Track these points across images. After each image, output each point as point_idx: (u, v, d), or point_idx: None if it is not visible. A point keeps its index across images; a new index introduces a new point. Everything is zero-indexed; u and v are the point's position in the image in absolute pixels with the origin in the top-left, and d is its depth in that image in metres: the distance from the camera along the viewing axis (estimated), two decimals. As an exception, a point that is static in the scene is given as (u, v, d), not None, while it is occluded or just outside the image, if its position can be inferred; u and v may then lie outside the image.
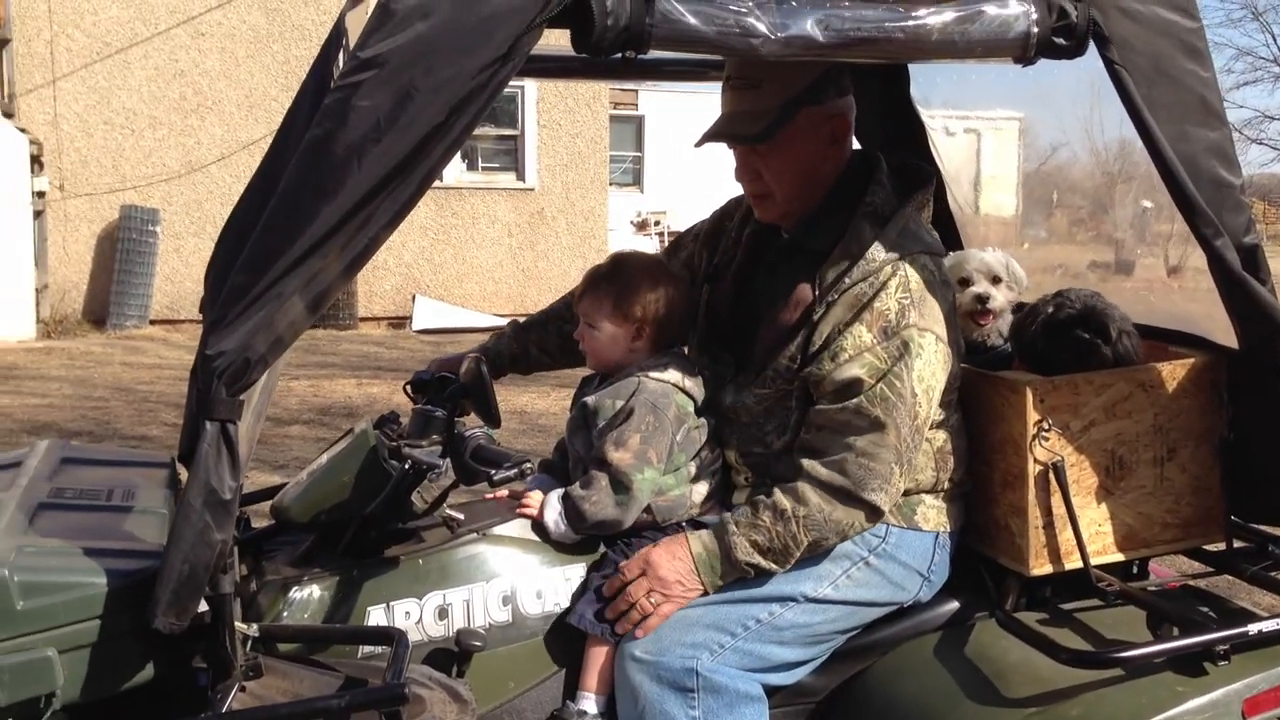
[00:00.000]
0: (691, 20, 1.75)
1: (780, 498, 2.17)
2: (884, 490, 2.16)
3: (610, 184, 16.69)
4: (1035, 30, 1.95)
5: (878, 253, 2.23)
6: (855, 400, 2.16)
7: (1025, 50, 1.96)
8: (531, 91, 15.18)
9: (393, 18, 1.64)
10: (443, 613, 2.16)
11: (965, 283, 2.58)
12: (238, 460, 1.68)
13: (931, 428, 2.28)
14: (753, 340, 2.37)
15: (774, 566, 2.19)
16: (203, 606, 1.75)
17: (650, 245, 18.86)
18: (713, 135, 2.31)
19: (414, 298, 14.66)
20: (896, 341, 2.16)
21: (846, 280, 2.23)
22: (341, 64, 1.92)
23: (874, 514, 2.17)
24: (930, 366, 2.18)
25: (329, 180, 1.65)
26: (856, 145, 2.48)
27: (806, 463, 2.19)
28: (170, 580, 1.67)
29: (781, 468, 2.28)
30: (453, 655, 2.13)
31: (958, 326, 2.35)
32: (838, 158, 2.35)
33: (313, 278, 1.68)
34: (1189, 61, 2.08)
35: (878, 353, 2.17)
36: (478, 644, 2.11)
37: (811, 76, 2.24)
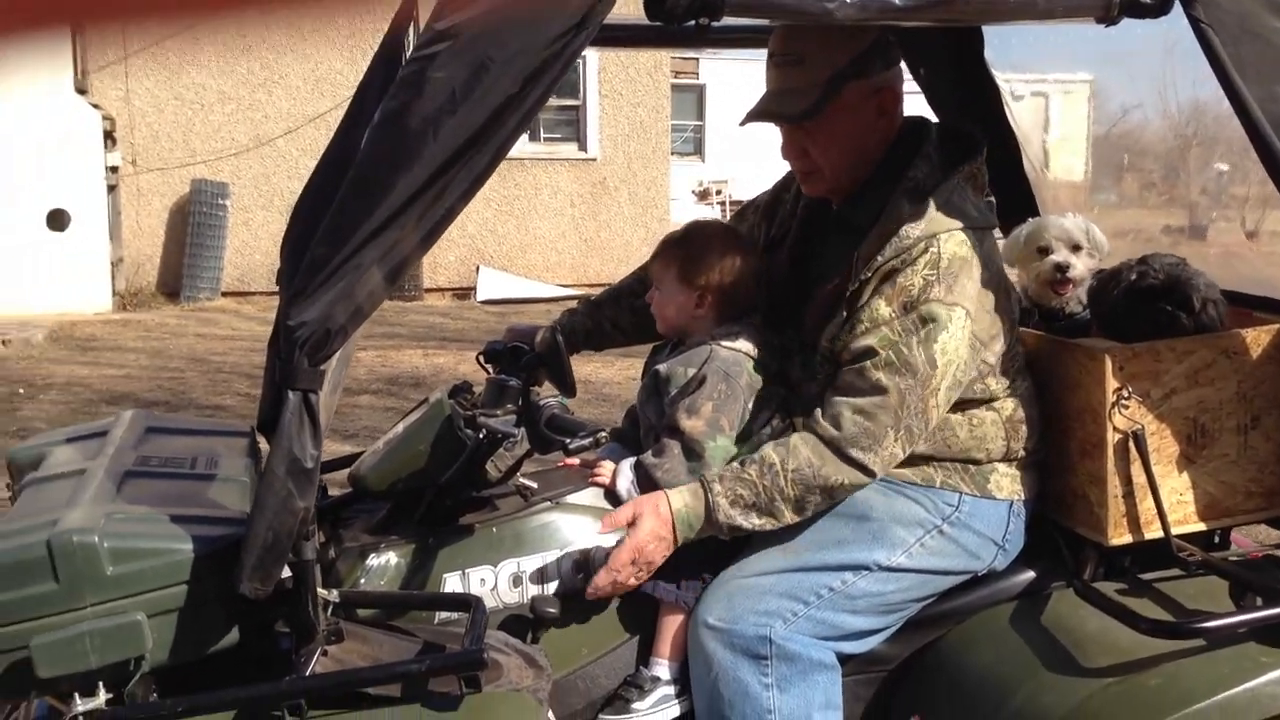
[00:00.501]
0: (766, -15, 1.73)
1: (769, 451, 2.14)
2: (874, 451, 2.12)
3: (672, 154, 16.62)
4: (1119, -11, 1.90)
5: (912, 230, 2.18)
6: (861, 364, 2.14)
7: (1109, 10, 1.92)
8: (593, 61, 15.13)
9: (468, -12, 1.64)
10: (517, 580, 2.18)
11: (1045, 251, 2.53)
12: (319, 429, 1.71)
13: (997, 398, 2.26)
14: (804, 316, 2.36)
15: (755, 524, 2.14)
16: (285, 573, 1.78)
17: (712, 214, 18.77)
18: (757, 115, 2.28)
19: (478, 269, 14.75)
20: (914, 316, 2.13)
21: (879, 258, 2.18)
22: (414, 37, 1.93)
23: (863, 473, 2.13)
24: (955, 340, 2.13)
25: (405, 152, 1.66)
26: (923, 112, 2.44)
27: (804, 419, 2.18)
28: (255, 547, 1.70)
29: None
30: (527, 622, 2.15)
31: (1008, 295, 2.29)
32: (886, 130, 2.30)
33: (390, 248, 1.70)
34: (1276, 19, 2.02)
35: (894, 326, 2.14)
36: (552, 611, 2.13)
37: (857, 49, 2.20)
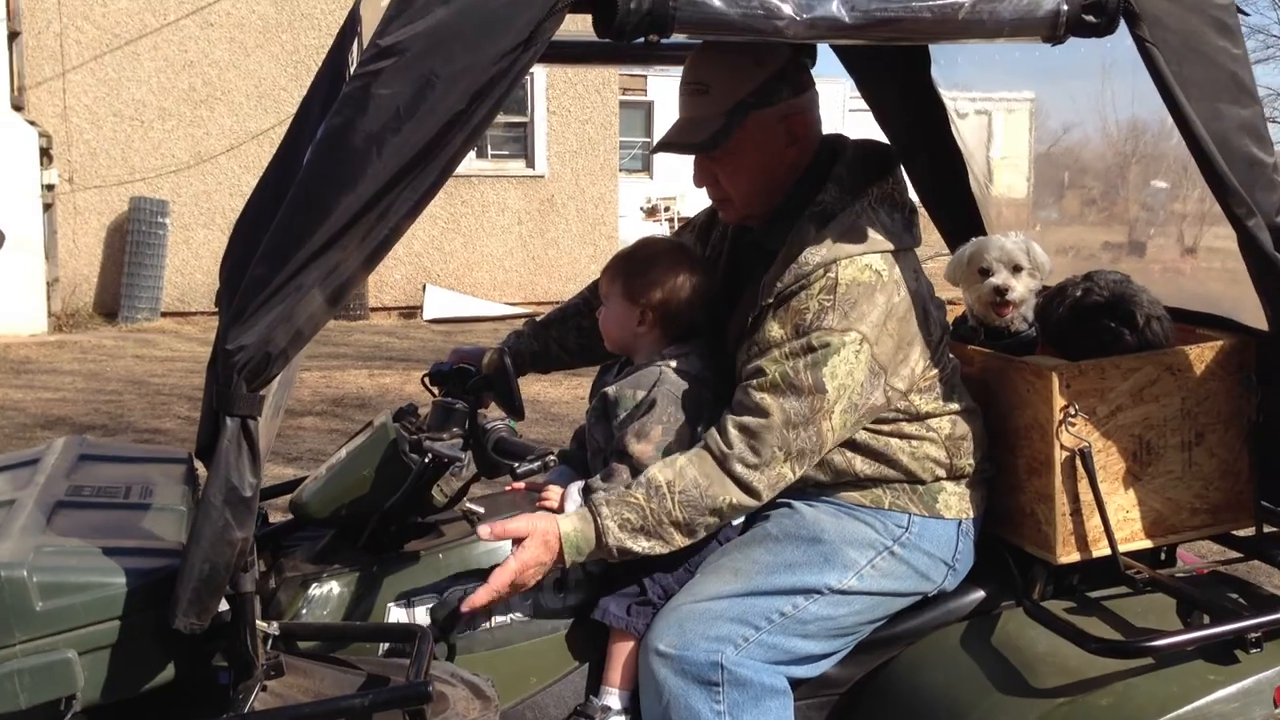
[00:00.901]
0: (716, 3, 1.71)
1: (656, 472, 2.11)
2: (760, 470, 2.10)
3: (620, 170, 16.64)
4: (1065, 8, 1.90)
5: (813, 256, 2.16)
6: (748, 383, 2.13)
7: (1055, 29, 1.92)
8: (541, 78, 15.13)
9: (413, 4, 1.61)
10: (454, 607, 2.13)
11: (985, 272, 2.54)
12: (258, 457, 1.66)
13: (931, 416, 2.25)
14: (728, 339, 2.35)
15: (645, 547, 2.10)
16: (223, 605, 1.73)
17: (660, 231, 18.82)
18: (664, 144, 2.27)
19: (424, 287, 14.64)
20: (804, 340, 2.11)
21: (779, 284, 2.17)
22: (358, 53, 1.89)
23: (747, 493, 2.11)
24: (846, 365, 2.11)
25: (348, 170, 1.63)
26: (873, 130, 2.43)
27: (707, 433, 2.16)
28: (191, 579, 1.64)
29: None
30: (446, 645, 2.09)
31: (928, 315, 2.26)
32: (797, 156, 2.28)
33: (333, 270, 1.66)
34: (1220, 38, 2.04)
35: (783, 349, 2.12)
36: (453, 615, 2.08)
37: (763, 76, 2.19)
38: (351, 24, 2.10)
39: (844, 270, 2.14)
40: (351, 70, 1.73)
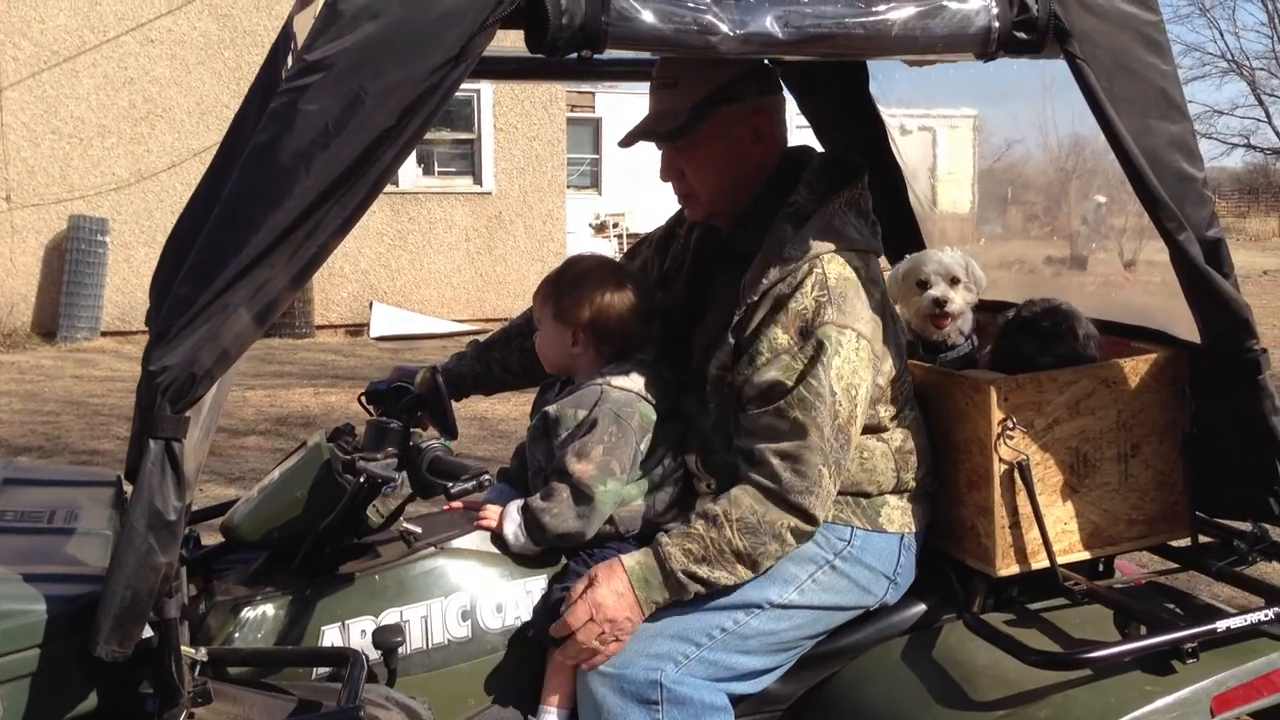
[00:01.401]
0: (649, 18, 1.71)
1: (711, 505, 2.13)
2: (814, 494, 2.11)
3: (568, 187, 16.63)
4: (997, 25, 1.92)
5: (794, 251, 2.19)
6: (776, 404, 2.13)
7: (987, 45, 1.94)
8: (488, 95, 15.09)
9: (340, 18, 1.59)
10: (399, 630, 2.10)
11: (924, 285, 2.56)
12: (183, 480, 1.62)
13: (885, 428, 2.26)
14: (693, 346, 2.35)
15: (713, 576, 2.11)
16: (148, 632, 1.68)
17: (610, 248, 18.82)
18: (633, 133, 2.29)
19: (371, 305, 14.53)
20: (812, 341, 2.13)
21: (765, 282, 2.19)
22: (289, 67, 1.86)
23: (807, 519, 2.11)
24: (850, 364, 2.14)
25: (275, 187, 1.60)
26: (816, 144, 2.45)
27: (741, 467, 2.15)
28: (112, 606, 1.60)
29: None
30: (386, 669, 2.06)
31: (894, 321, 2.33)
32: (763, 156, 2.31)
33: (259, 288, 1.62)
34: (1150, 55, 2.07)
35: (794, 353, 2.14)
36: (397, 639, 2.05)
37: (731, 74, 2.22)
38: (285, 38, 2.07)
39: (829, 266, 2.17)
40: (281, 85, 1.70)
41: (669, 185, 2.37)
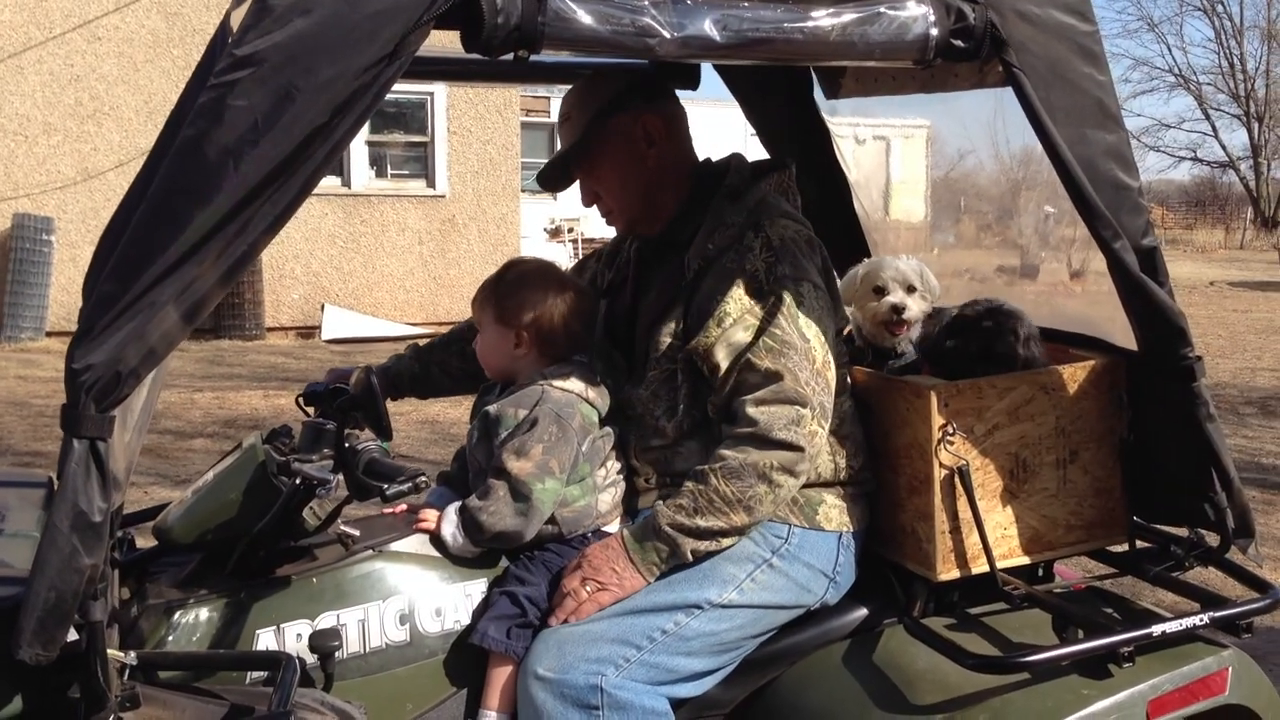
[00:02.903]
0: (586, 19, 1.70)
1: (699, 466, 2.17)
2: (794, 429, 2.13)
3: (522, 191, 16.58)
4: (934, 32, 1.94)
5: (734, 218, 2.29)
6: (744, 358, 2.17)
7: (924, 52, 1.95)
8: (441, 98, 15.01)
9: (270, 13, 1.56)
10: (336, 634, 2.07)
11: (880, 291, 2.57)
12: (108, 480, 1.58)
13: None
14: (635, 339, 2.39)
15: (708, 525, 2.13)
16: (74, 635, 1.65)
17: (564, 253, 18.78)
18: (544, 173, 2.40)
19: (323, 307, 14.40)
20: (771, 298, 2.19)
21: (710, 248, 2.28)
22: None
23: (790, 451, 2.13)
24: (815, 312, 2.22)
25: (203, 183, 1.57)
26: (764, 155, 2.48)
27: (723, 428, 2.20)
28: (35, 609, 1.56)
29: (680, 461, 2.27)
30: (324, 674, 2.03)
31: (835, 283, 2.39)
32: (660, 158, 2.36)
33: (187, 286, 1.59)
34: (1085, 65, 2.09)
35: (755, 312, 2.19)
36: (334, 643, 2.02)
37: (615, 89, 2.33)
38: (222, 34, 2.04)
39: (771, 229, 2.25)
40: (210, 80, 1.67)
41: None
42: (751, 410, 2.14)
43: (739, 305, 2.21)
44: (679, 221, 2.38)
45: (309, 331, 14.40)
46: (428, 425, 7.98)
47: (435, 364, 2.71)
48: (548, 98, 21.69)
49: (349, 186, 14.56)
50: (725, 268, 2.25)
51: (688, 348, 2.25)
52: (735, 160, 2.42)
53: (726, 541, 2.17)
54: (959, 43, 1.96)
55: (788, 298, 2.19)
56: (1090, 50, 2.09)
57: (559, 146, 2.40)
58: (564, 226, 21.17)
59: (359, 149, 14.64)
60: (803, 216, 2.38)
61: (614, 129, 2.32)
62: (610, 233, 2.68)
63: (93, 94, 13.19)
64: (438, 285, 15.24)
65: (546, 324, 2.31)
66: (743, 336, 2.19)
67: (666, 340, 2.29)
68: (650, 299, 2.38)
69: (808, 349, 2.18)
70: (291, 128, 1.57)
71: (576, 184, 2.43)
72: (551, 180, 2.41)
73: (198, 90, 1.91)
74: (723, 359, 2.20)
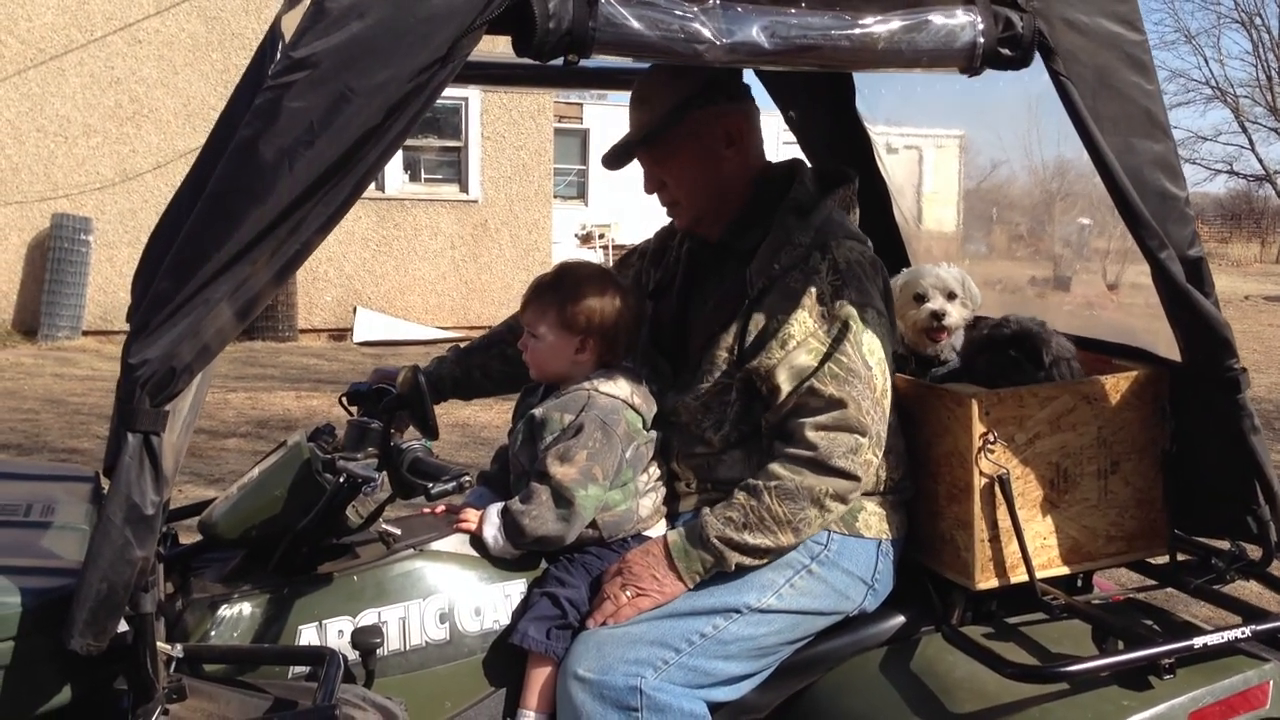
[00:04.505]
0: (635, 25, 1.71)
1: (752, 479, 2.17)
2: (852, 457, 2.15)
3: (555, 197, 16.63)
4: (981, 40, 1.93)
5: (803, 238, 2.27)
6: (809, 383, 2.17)
7: (971, 60, 1.95)
8: (475, 103, 15.09)
9: (327, 16, 1.58)
10: (377, 631, 2.09)
11: (921, 299, 2.57)
12: (161, 474, 1.61)
13: None
14: (689, 348, 2.37)
15: (753, 542, 2.14)
16: (123, 626, 1.67)
17: (595, 259, 18.82)
18: (613, 150, 2.36)
19: (355, 310, 14.49)
20: (837, 323, 2.19)
21: (776, 267, 2.26)
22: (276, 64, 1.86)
23: (846, 480, 2.15)
24: (877, 339, 2.22)
25: (259, 183, 1.59)
26: (801, 157, 2.47)
27: (776, 445, 2.20)
28: (87, 600, 1.59)
29: (723, 469, 2.27)
30: (365, 670, 2.05)
31: (893, 307, 2.39)
32: (738, 160, 2.36)
33: (241, 283, 1.62)
34: (1133, 74, 2.08)
35: (820, 336, 2.19)
36: (375, 640, 2.03)
37: (698, 83, 2.27)
38: (272, 38, 2.06)
39: (838, 251, 2.25)
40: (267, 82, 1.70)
41: (653, 198, 2.41)
42: (812, 435, 2.15)
43: (803, 328, 2.20)
44: (740, 226, 2.37)
45: (341, 334, 14.50)
46: (459, 429, 8.01)
47: (477, 367, 2.72)
48: (580, 104, 21.77)
49: (383, 191, 14.64)
50: (790, 288, 2.24)
51: (748, 367, 2.24)
52: (799, 169, 2.40)
53: (769, 558, 2.19)
54: (1006, 51, 1.95)
55: (853, 324, 2.19)
56: (1139, 60, 2.08)
57: (630, 123, 2.35)
58: (595, 232, 21.23)
59: (393, 153, 14.73)
60: (863, 235, 2.38)
61: (696, 122, 2.29)
62: (643, 235, 2.68)
63: (132, 96, 13.34)
64: (469, 290, 15.31)
65: (611, 330, 2.32)
66: (806, 360, 2.19)
67: (723, 355, 2.28)
68: (708, 310, 2.36)
69: (870, 377, 2.18)
70: (346, 129, 1.59)
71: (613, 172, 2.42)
72: (615, 159, 2.37)
73: (250, 92, 1.95)
74: (784, 381, 2.20)
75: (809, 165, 2.43)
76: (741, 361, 2.26)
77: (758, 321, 2.25)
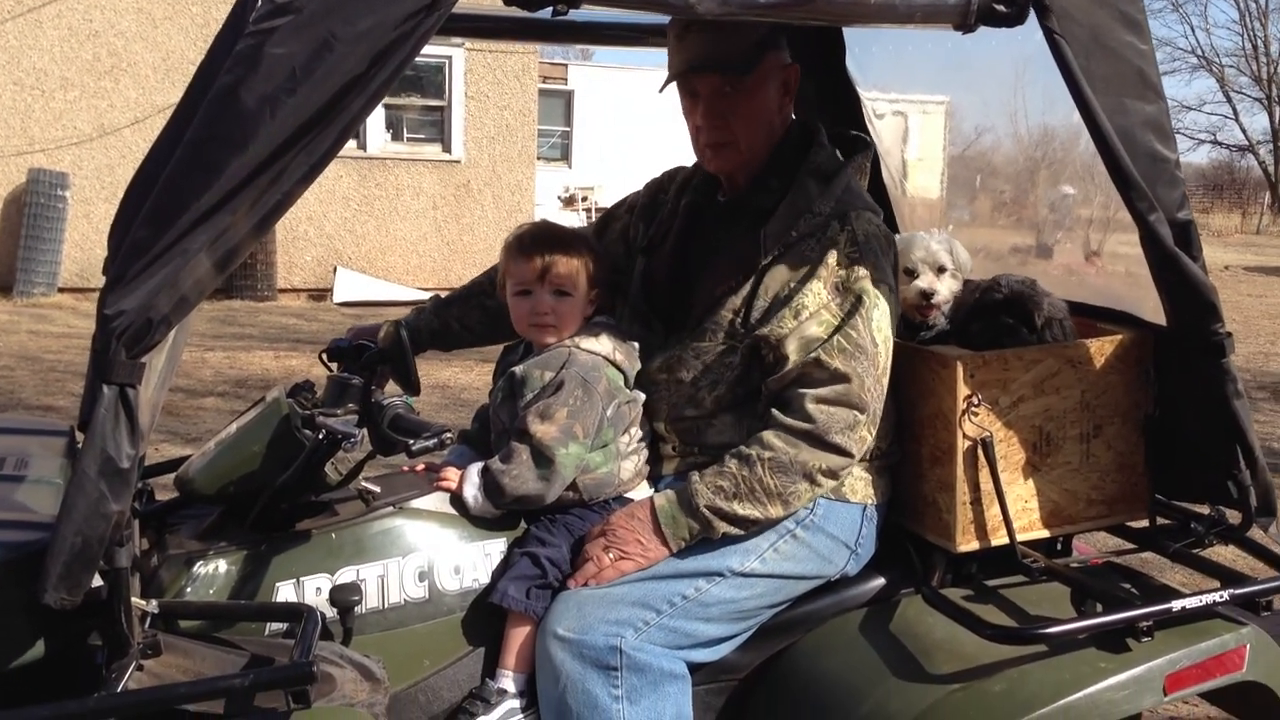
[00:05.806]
0: (627, -27, 1.68)
1: (745, 447, 2.16)
2: (848, 435, 2.14)
3: (538, 158, 16.52)
4: (977, -3, 1.91)
5: (823, 207, 2.25)
6: (815, 354, 2.16)
7: (966, 17, 1.93)
8: (459, 62, 14.95)
9: (311, -40, 1.55)
10: (356, 589, 2.07)
11: (910, 274, 2.54)
12: (137, 427, 1.58)
13: None
14: (690, 303, 2.33)
15: (741, 512, 2.14)
16: (98, 581, 1.65)
17: (578, 220, 18.73)
18: (697, 65, 2.22)
19: (335, 269, 14.40)
20: (851, 297, 2.18)
21: (794, 234, 2.24)
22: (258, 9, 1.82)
23: (841, 456, 2.15)
24: (885, 317, 2.20)
25: (239, 131, 1.56)
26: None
27: (773, 413, 2.18)
28: (61, 553, 1.56)
29: (712, 434, 2.25)
30: (343, 628, 2.03)
31: (898, 280, 2.39)
32: (787, 111, 2.36)
33: (221, 234, 1.58)
34: (1127, 33, 2.06)
35: (832, 309, 2.18)
36: (354, 598, 2.02)
37: (767, 25, 2.23)
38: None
39: (857, 223, 2.23)
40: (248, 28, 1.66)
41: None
42: (811, 406, 2.14)
43: (816, 299, 2.19)
44: (759, 184, 2.33)
45: (321, 294, 14.42)
46: (440, 389, 7.98)
47: (455, 319, 2.69)
48: (565, 65, 21.61)
49: (364, 150, 14.52)
50: (805, 256, 2.22)
51: (757, 334, 2.21)
52: (819, 135, 2.37)
53: (755, 529, 2.18)
54: (1001, 8, 1.93)
55: (866, 299, 2.17)
56: (1133, 18, 2.06)
57: (709, 38, 2.18)
58: (578, 195, 21.13)
59: (375, 112, 14.57)
60: (878, 206, 2.37)
61: (770, 65, 2.26)
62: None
63: (110, 50, 13.16)
64: (451, 250, 15.23)
65: (601, 284, 2.34)
66: (816, 331, 2.17)
67: (728, 317, 2.25)
68: (717, 269, 2.31)
69: (875, 354, 2.17)
70: (329, 77, 1.56)
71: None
72: (691, 73, 2.23)
73: (231, 38, 1.90)
74: (793, 351, 2.18)
75: (822, 129, 2.40)
76: (748, 325, 2.23)
77: (769, 287, 2.23)
